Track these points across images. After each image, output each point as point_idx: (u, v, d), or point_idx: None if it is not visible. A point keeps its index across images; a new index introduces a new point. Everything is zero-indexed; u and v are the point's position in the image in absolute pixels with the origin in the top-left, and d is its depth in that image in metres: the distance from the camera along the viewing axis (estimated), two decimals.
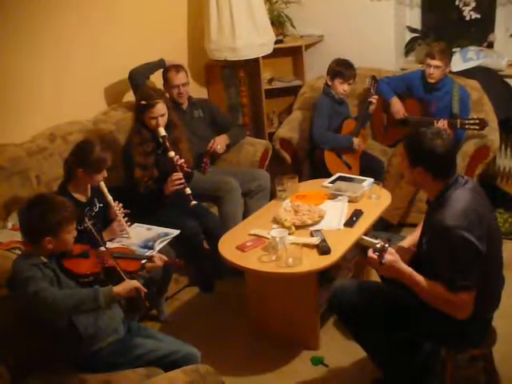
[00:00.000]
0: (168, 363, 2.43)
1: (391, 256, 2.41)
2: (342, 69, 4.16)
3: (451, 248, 2.32)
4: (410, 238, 2.80)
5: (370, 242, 2.49)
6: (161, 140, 3.50)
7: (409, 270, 2.42)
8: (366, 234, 3.08)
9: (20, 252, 2.99)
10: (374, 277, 3.05)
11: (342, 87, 4.17)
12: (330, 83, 4.20)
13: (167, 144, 3.47)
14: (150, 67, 4.01)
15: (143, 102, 3.47)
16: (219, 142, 4.05)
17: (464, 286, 2.32)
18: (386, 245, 2.41)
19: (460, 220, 2.32)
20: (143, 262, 2.69)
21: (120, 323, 2.56)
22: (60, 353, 2.49)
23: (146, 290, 2.46)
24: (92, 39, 3.91)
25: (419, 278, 2.41)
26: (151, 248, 3.06)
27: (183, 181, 3.47)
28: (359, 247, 3.12)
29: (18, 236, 3.09)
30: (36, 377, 2.41)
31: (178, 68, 4.00)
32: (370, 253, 2.44)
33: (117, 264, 2.52)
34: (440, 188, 2.45)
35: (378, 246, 2.42)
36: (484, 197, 2.52)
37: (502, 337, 2.66)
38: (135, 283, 2.42)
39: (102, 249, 2.62)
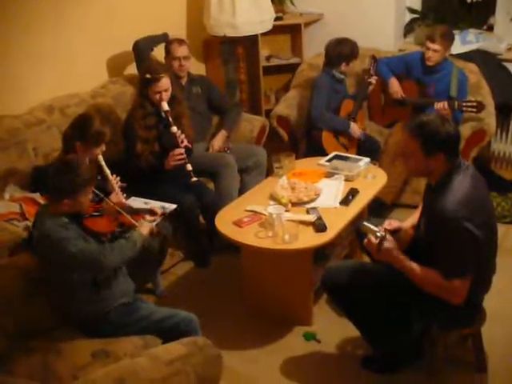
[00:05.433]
0: (169, 327, 2.54)
1: (389, 244, 2.45)
2: (356, 50, 4.17)
3: (450, 237, 2.35)
4: (411, 219, 2.82)
5: (370, 228, 2.52)
6: (163, 115, 3.51)
7: (404, 257, 2.46)
8: (362, 215, 3.11)
9: (18, 223, 3.03)
10: (366, 257, 3.08)
11: (349, 66, 4.20)
12: (344, 69, 4.19)
13: (170, 119, 3.48)
14: (155, 39, 4.04)
15: (148, 76, 3.46)
16: (217, 145, 4.04)
17: (460, 273, 2.36)
18: (387, 235, 2.45)
19: (461, 209, 2.33)
20: (143, 214, 2.88)
21: (132, 291, 2.69)
22: (71, 312, 2.57)
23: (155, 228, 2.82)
24: (92, 11, 3.89)
25: (414, 265, 2.44)
26: None
27: (184, 156, 3.49)
28: (354, 227, 3.16)
29: (15, 207, 3.11)
30: (36, 343, 2.46)
31: (180, 41, 4.03)
32: (372, 238, 2.48)
33: (127, 218, 2.72)
34: (445, 171, 2.44)
35: (379, 234, 2.46)
36: (483, 183, 2.53)
37: (490, 317, 2.72)
38: (149, 224, 2.75)
39: (109, 204, 2.77)
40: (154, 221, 2.89)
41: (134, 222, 2.73)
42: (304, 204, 3.17)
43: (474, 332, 2.74)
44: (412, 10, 4.95)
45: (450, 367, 2.77)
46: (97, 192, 2.71)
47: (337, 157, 3.74)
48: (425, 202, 2.65)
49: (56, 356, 2.39)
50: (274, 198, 3.24)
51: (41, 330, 2.52)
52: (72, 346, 2.45)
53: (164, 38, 4.08)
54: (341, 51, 4.14)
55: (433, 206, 2.44)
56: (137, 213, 2.86)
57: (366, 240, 2.52)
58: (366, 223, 2.60)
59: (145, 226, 2.71)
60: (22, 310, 2.48)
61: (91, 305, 2.53)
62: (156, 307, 2.71)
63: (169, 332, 2.50)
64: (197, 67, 4.70)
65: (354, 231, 3.17)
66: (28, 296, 2.50)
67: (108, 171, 3.17)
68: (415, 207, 2.94)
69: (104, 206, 2.74)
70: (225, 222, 3.09)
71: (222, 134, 4.11)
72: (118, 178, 3.21)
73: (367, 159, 3.65)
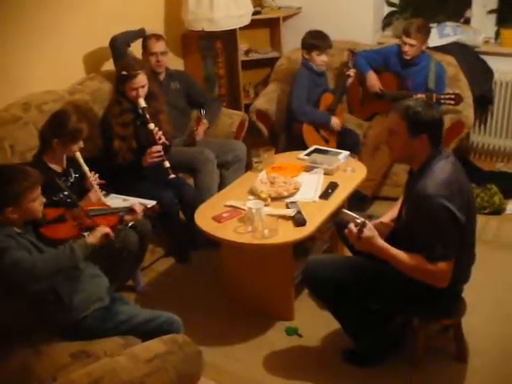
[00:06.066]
0: (150, 330, 2.46)
1: (370, 232, 2.45)
2: (316, 41, 4.13)
3: (432, 216, 2.37)
4: (390, 213, 2.84)
5: (351, 216, 2.53)
6: (141, 111, 3.48)
7: (386, 245, 2.47)
8: (343, 208, 3.11)
9: None
10: (347, 250, 3.09)
11: (319, 59, 4.15)
12: (307, 57, 4.18)
13: (147, 115, 3.46)
14: (131, 35, 4.01)
15: (124, 73, 3.44)
16: (201, 133, 4.05)
17: (443, 255, 2.38)
18: (367, 221, 2.45)
19: (441, 189, 2.37)
20: (121, 214, 2.77)
21: (105, 292, 2.60)
22: (43, 321, 2.50)
23: (113, 234, 2.55)
24: (70, 6, 3.85)
25: (396, 251, 2.46)
26: None
27: (162, 153, 3.47)
28: (333, 221, 3.17)
29: None
30: (15, 346, 2.41)
31: (157, 36, 4.01)
32: (352, 226, 2.48)
33: (94, 222, 2.57)
34: (427, 157, 2.49)
35: (359, 221, 2.46)
36: (463, 172, 2.57)
37: (469, 308, 2.74)
38: (104, 229, 2.52)
39: (78, 209, 2.66)
40: (133, 220, 2.86)
41: (97, 225, 2.58)
42: (283, 198, 3.17)
43: (454, 323, 2.76)
44: (390, 3, 4.98)
45: (431, 357, 2.81)
46: (68, 195, 2.65)
47: (316, 150, 3.74)
48: (406, 190, 2.67)
49: (36, 358, 2.35)
50: (253, 192, 3.23)
51: (20, 332, 2.48)
52: (51, 348, 2.40)
53: (141, 34, 4.05)
54: (303, 40, 4.17)
55: (414, 190, 2.48)
56: (113, 214, 2.78)
57: (346, 229, 2.52)
58: (345, 210, 2.63)
59: (95, 234, 2.49)
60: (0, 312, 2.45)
61: (61, 314, 2.45)
62: (137, 309, 2.62)
63: (151, 335, 2.39)
64: (175, 62, 4.67)
65: (334, 225, 3.18)
66: (5, 297, 2.46)
67: (86, 168, 3.15)
68: (395, 200, 2.96)
69: (76, 212, 2.66)
70: (204, 217, 3.08)
71: (204, 124, 4.10)
72: (97, 175, 3.19)
73: (347, 152, 3.66)
